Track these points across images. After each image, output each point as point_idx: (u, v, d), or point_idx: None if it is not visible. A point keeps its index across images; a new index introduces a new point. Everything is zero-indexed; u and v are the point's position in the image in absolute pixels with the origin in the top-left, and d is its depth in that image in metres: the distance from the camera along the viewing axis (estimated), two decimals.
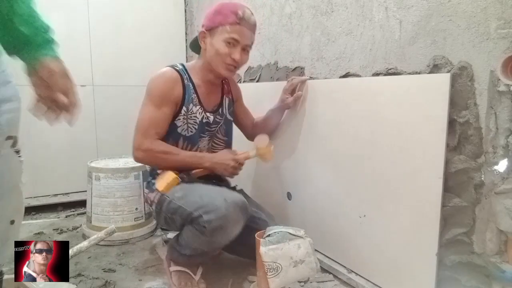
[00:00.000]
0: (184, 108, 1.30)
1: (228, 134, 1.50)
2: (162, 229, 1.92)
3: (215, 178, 1.41)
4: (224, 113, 1.45)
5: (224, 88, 1.48)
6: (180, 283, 1.28)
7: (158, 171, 1.34)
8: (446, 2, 1.05)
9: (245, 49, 1.31)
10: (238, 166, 1.35)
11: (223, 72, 1.31)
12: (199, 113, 1.34)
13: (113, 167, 1.83)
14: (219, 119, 1.42)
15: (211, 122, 1.38)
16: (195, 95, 1.32)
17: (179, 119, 1.31)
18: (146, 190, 1.41)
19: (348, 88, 1.36)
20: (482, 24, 0.97)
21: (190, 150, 1.35)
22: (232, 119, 1.51)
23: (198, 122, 1.33)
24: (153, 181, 1.33)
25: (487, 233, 1.00)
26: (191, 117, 1.32)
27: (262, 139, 1.45)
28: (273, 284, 1.08)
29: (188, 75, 1.34)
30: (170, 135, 1.32)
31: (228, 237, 1.15)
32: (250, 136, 1.60)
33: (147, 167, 1.45)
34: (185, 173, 1.31)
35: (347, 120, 1.35)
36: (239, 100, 1.59)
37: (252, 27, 1.31)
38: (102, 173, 1.79)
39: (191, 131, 1.33)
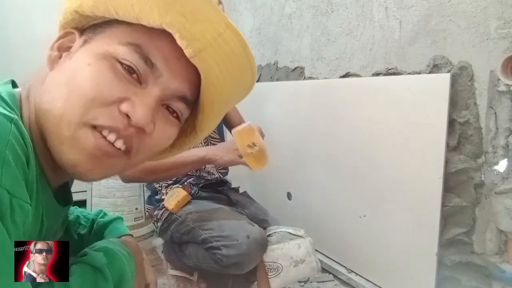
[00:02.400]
0: None
1: (220, 132, 1.42)
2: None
3: (217, 185, 1.37)
4: None
5: None
6: (179, 285, 1.27)
7: (160, 188, 1.26)
8: (446, 2, 1.05)
9: None
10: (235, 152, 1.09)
11: None
12: None
13: None
14: None
15: None
16: None
17: None
18: (149, 206, 1.31)
19: (348, 88, 1.36)
20: (482, 24, 0.97)
21: None
22: None
23: None
24: (156, 197, 1.26)
25: (487, 233, 1.00)
26: None
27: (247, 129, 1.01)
28: (273, 284, 1.07)
29: None
30: None
31: (243, 271, 1.10)
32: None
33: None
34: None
35: (347, 120, 1.35)
36: None
37: None
38: None
39: None
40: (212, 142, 1.38)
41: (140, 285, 0.61)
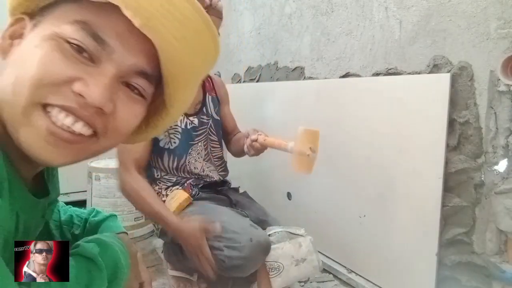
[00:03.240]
0: None
1: (219, 135, 1.39)
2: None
3: (217, 185, 1.37)
4: (210, 112, 1.31)
5: (205, 85, 1.33)
6: (179, 285, 1.27)
7: (160, 190, 1.24)
8: (446, 2, 1.05)
9: None
10: (202, 243, 1.04)
11: None
12: (180, 120, 1.22)
13: (113, 167, 1.82)
14: (206, 120, 1.29)
15: (197, 125, 1.25)
16: None
17: None
18: None
19: (348, 88, 1.36)
20: (482, 24, 0.97)
21: (177, 163, 1.22)
22: (219, 119, 1.38)
23: (180, 130, 1.21)
24: None
25: (487, 233, 1.00)
26: (171, 126, 1.19)
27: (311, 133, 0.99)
28: (275, 284, 1.07)
29: None
30: (154, 152, 1.21)
31: (244, 274, 1.08)
32: (228, 146, 1.43)
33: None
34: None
35: (347, 120, 1.35)
36: (226, 105, 1.44)
37: (220, 14, 1.18)
38: (102, 173, 1.78)
39: (175, 142, 1.21)
40: (211, 144, 1.36)
41: (134, 281, 0.60)
